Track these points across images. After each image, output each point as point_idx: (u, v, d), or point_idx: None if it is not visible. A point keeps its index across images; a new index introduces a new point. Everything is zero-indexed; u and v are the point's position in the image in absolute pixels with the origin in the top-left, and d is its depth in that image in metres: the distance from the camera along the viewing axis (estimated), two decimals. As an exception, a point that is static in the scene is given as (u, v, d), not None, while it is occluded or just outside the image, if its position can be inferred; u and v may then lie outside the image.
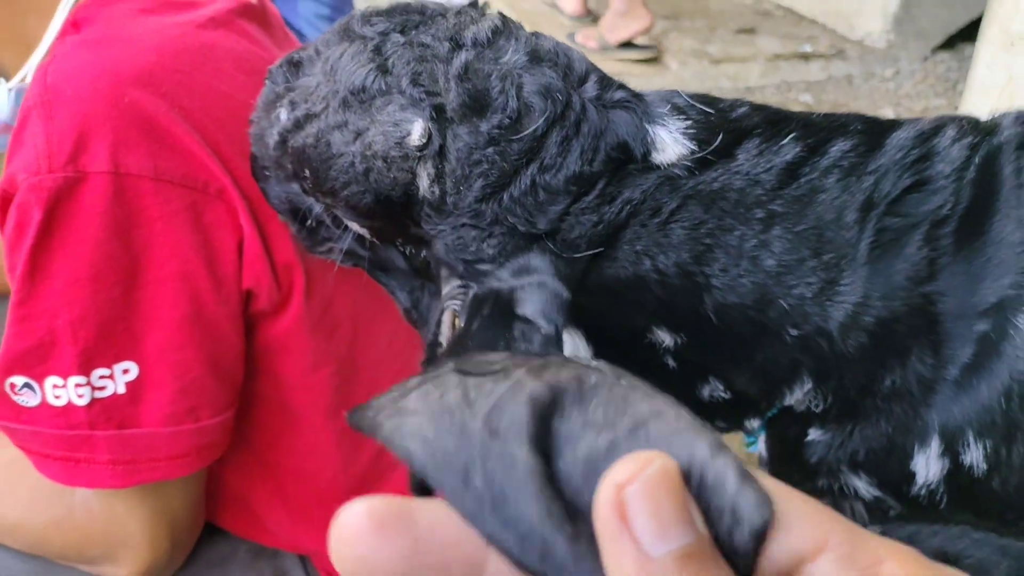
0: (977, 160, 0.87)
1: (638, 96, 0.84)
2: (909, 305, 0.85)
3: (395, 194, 0.81)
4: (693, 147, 0.81)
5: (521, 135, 0.78)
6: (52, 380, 0.93)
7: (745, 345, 0.87)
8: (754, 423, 0.97)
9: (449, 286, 0.84)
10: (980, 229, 0.85)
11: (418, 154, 0.78)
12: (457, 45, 0.80)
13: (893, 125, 0.90)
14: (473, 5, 0.87)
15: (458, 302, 0.83)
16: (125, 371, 0.95)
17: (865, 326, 0.84)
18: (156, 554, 1.04)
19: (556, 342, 0.78)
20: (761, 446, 1.02)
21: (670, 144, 0.81)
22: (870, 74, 4.06)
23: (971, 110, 2.44)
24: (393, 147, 0.78)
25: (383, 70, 0.79)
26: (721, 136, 0.82)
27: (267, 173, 0.90)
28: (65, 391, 0.94)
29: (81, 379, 0.93)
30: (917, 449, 0.89)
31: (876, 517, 0.99)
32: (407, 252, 0.91)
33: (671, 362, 0.89)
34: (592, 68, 0.85)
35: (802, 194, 0.83)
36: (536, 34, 0.86)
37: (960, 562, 0.99)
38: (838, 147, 0.85)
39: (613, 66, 3.75)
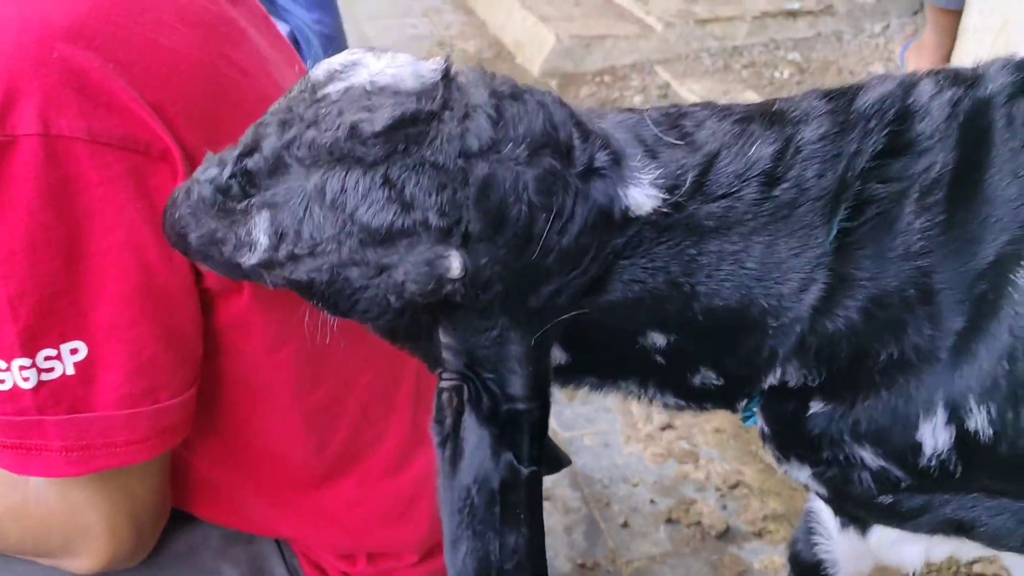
0: (962, 116, 0.83)
1: (614, 156, 0.81)
2: (901, 280, 0.82)
3: (422, 311, 0.80)
4: (665, 196, 0.81)
5: (532, 242, 0.77)
6: None
7: (730, 338, 0.87)
8: (742, 404, 0.97)
9: (448, 363, 0.83)
10: (974, 189, 0.81)
11: (454, 285, 0.76)
12: (468, 157, 0.76)
13: (859, 90, 0.85)
14: (446, 76, 0.79)
15: (455, 383, 0.82)
16: (73, 351, 0.88)
17: (852, 306, 0.83)
18: (118, 545, 0.98)
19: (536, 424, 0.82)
20: (761, 422, 1.01)
21: (644, 201, 0.81)
22: (859, 29, 3.98)
23: (965, 56, 2.38)
24: (432, 282, 0.76)
25: (405, 206, 0.74)
26: (690, 177, 0.81)
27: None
28: (10, 374, 0.87)
29: (26, 361, 0.86)
30: (922, 419, 0.86)
31: (885, 487, 0.95)
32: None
33: (660, 359, 0.89)
34: (571, 122, 0.82)
35: (783, 202, 0.82)
36: (516, 94, 0.80)
37: (974, 530, 0.95)
38: (807, 134, 0.83)
39: None
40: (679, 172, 0.81)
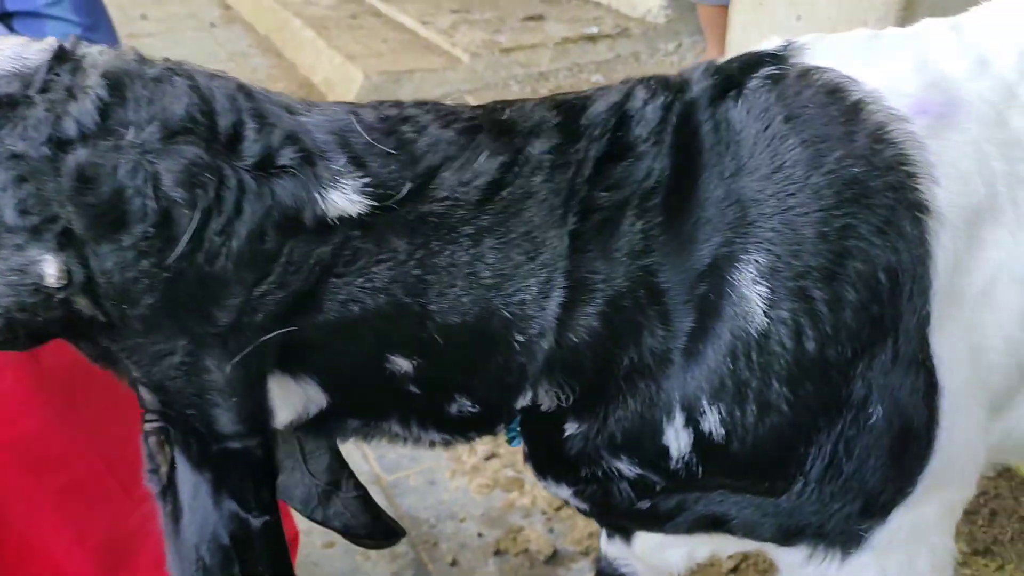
0: (674, 120, 0.85)
1: (306, 155, 0.75)
2: (631, 281, 0.83)
3: (55, 329, 0.71)
4: (374, 203, 0.76)
5: (176, 243, 0.68)
6: None
7: (476, 357, 0.84)
8: (503, 428, 0.95)
9: (145, 401, 0.76)
10: (688, 192, 0.84)
11: (62, 294, 0.67)
12: (60, 144, 0.65)
13: (587, 103, 0.87)
14: (59, 58, 0.69)
15: (158, 424, 0.75)
16: None
17: (591, 312, 0.83)
18: None
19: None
20: (523, 443, 1.00)
21: (348, 206, 0.75)
22: (655, 49, 4.17)
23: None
24: (29, 295, 0.66)
25: None
26: (407, 188, 0.77)
27: None
28: None
29: None
30: (665, 423, 0.87)
31: (644, 493, 0.96)
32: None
33: (414, 388, 0.86)
34: (245, 110, 0.74)
35: (510, 203, 0.81)
36: (164, 76, 0.72)
37: (728, 524, 0.97)
38: (538, 147, 0.82)
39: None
40: (392, 182, 0.77)
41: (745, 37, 2.22)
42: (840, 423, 0.85)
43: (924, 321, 0.84)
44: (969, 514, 1.69)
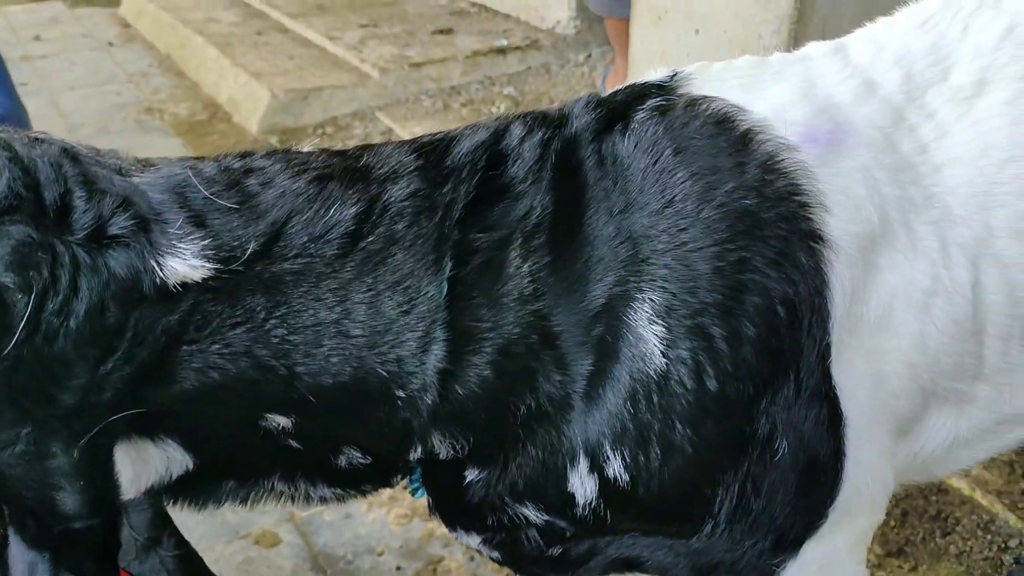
0: (553, 157, 0.82)
1: (140, 221, 0.70)
2: (522, 326, 0.79)
3: None
4: (218, 267, 0.71)
5: (12, 330, 0.63)
6: None
7: (356, 416, 0.79)
8: (399, 479, 0.92)
9: None
10: (575, 230, 0.80)
11: None
12: None
13: (452, 142, 0.83)
14: None
15: None
16: None
17: (480, 362, 0.79)
18: None
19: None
20: (426, 494, 0.95)
21: (189, 271, 0.71)
22: (565, 60, 4.18)
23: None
24: None
25: None
26: (252, 247, 0.72)
27: None
28: None
29: None
30: (570, 470, 0.83)
31: (553, 540, 0.92)
32: None
33: (295, 443, 0.81)
34: (72, 177, 0.69)
35: (372, 253, 0.76)
36: None
37: (642, 565, 0.94)
38: (396, 193, 0.78)
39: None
40: (235, 242, 0.73)
41: (645, 51, 2.22)
42: (746, 461, 0.82)
43: (825, 352, 0.82)
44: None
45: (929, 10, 0.94)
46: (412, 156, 0.82)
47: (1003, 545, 1.64)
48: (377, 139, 3.72)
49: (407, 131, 3.70)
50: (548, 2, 4.37)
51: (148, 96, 4.28)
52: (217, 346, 0.72)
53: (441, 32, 4.40)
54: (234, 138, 3.82)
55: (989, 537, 1.66)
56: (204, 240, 0.71)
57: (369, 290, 0.76)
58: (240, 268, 0.72)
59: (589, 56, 4.19)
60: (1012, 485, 1.74)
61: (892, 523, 1.75)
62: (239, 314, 0.73)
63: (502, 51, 4.16)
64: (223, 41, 4.49)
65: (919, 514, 1.78)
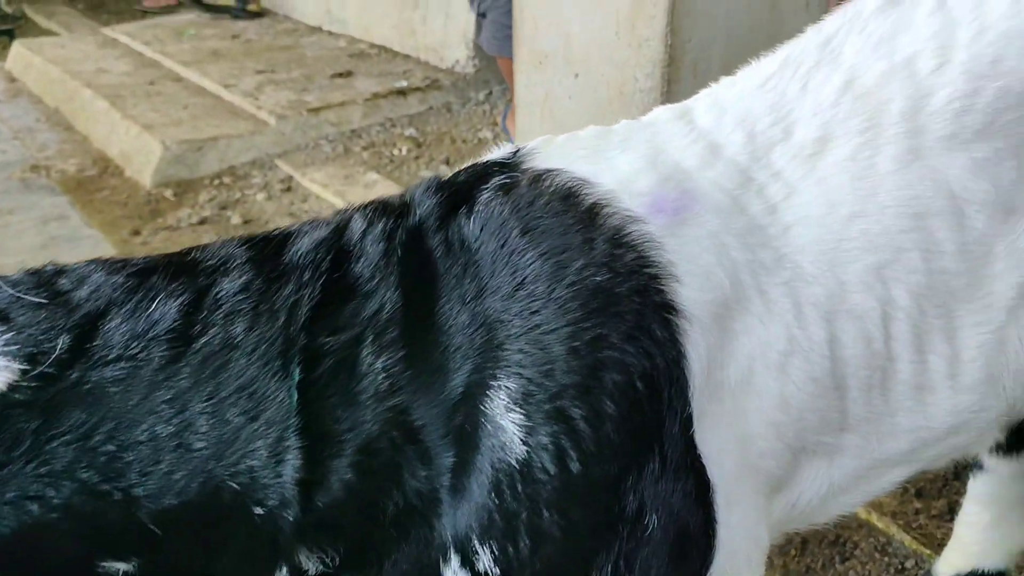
0: (399, 250, 0.80)
1: None
2: (382, 423, 0.76)
3: None
4: (26, 366, 0.65)
5: None
6: None
7: (212, 540, 0.73)
8: None
9: None
10: (428, 321, 0.78)
11: None
12: None
13: (287, 239, 0.80)
14: None
15: None
16: None
17: (342, 466, 0.75)
18: None
19: None
20: None
21: None
22: (466, 99, 4.19)
23: (523, 129, 2.56)
24: None
25: None
26: (63, 342, 0.66)
27: None
28: None
29: None
30: (443, 565, 0.81)
31: None
32: None
33: None
34: None
35: (208, 356, 0.71)
36: None
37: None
38: (227, 287, 0.74)
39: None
40: (44, 338, 0.67)
41: (529, 94, 2.23)
42: (617, 540, 0.81)
43: (687, 422, 0.82)
44: (781, 546, 1.73)
45: (769, 70, 0.96)
46: (242, 248, 0.79)
47: (900, 567, 1.68)
48: (277, 187, 3.64)
49: (307, 178, 3.64)
50: (447, 42, 4.38)
51: (34, 153, 4.11)
52: (34, 469, 0.65)
53: (340, 75, 4.37)
54: (126, 193, 3.70)
55: (887, 559, 1.70)
56: (6, 334, 0.66)
57: (210, 398, 0.72)
58: (51, 370, 0.65)
59: (490, 94, 4.21)
60: (906, 506, 1.79)
61: (793, 552, 1.77)
62: (58, 427, 0.66)
63: (402, 92, 4.15)
64: (113, 93, 4.36)
65: (818, 541, 1.81)
